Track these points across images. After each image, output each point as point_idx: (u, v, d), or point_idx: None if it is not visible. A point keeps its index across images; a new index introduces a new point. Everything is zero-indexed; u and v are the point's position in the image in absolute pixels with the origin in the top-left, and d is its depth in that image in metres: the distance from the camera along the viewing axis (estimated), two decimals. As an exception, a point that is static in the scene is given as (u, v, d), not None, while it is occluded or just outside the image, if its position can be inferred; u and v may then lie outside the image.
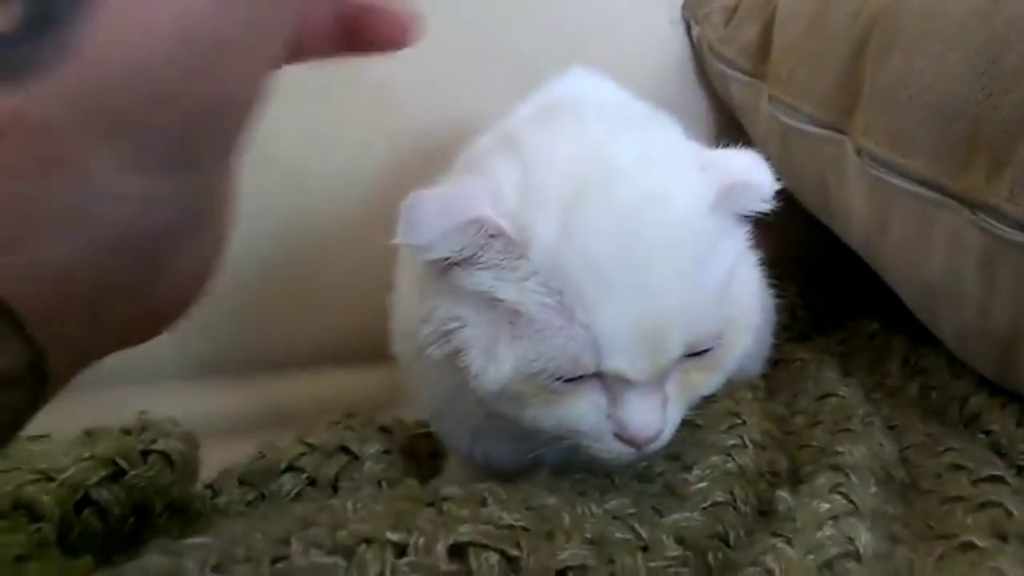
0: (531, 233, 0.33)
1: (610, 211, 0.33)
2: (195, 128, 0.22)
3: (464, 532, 0.30)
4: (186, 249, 0.24)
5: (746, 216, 0.37)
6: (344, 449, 0.47)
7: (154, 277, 0.24)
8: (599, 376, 0.34)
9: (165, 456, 0.39)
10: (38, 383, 0.22)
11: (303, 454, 0.46)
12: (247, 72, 0.23)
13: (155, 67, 0.21)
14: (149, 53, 0.21)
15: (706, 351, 0.35)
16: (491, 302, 0.34)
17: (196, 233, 0.25)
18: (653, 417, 0.34)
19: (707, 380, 0.36)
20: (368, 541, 0.29)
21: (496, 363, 0.34)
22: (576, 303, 0.33)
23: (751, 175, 0.35)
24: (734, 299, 0.36)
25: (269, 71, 0.24)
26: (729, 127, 0.70)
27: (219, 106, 0.23)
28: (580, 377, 0.34)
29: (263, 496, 0.44)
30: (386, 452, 0.48)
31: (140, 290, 0.24)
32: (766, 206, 0.36)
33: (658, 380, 0.34)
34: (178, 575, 0.29)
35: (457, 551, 0.29)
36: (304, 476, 0.46)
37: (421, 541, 0.29)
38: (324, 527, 0.30)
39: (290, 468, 0.46)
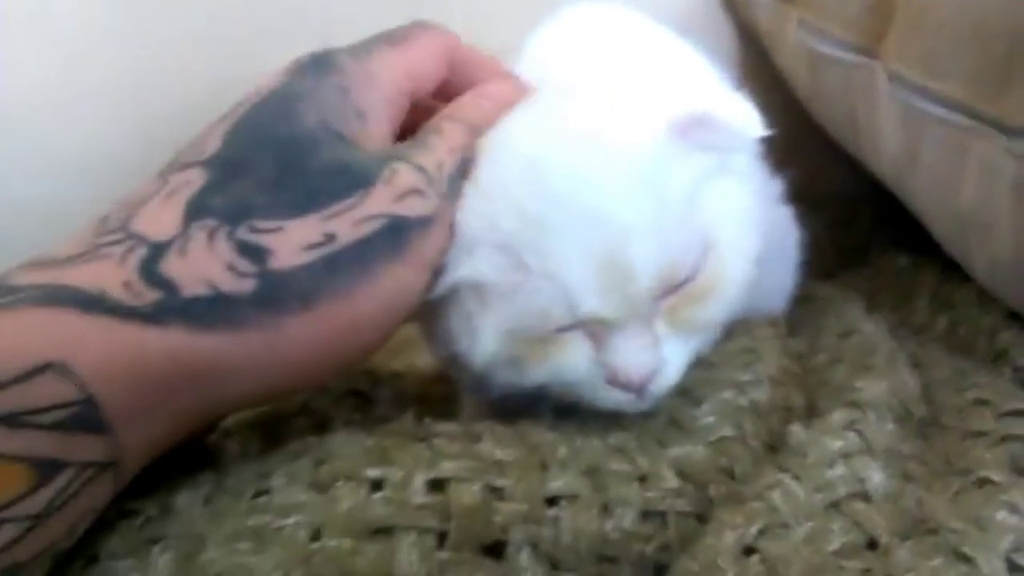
0: (464, 202, 0.34)
1: (521, 155, 0.33)
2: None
3: (447, 467, 0.29)
4: None
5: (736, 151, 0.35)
6: (355, 392, 0.47)
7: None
8: (581, 325, 0.33)
9: None
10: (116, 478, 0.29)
11: (314, 397, 0.46)
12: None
13: (310, 367, 0.32)
14: (311, 358, 0.32)
15: (688, 282, 0.34)
16: (457, 291, 0.34)
17: None
18: (641, 357, 0.33)
19: (699, 312, 0.34)
20: (347, 477, 0.29)
21: (476, 337, 0.34)
22: (527, 253, 0.32)
23: (716, 110, 0.33)
24: (708, 221, 0.34)
25: None
26: (754, 56, 0.67)
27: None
28: (564, 329, 0.33)
29: (275, 436, 0.44)
30: (398, 396, 0.47)
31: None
32: (737, 142, 0.34)
33: (643, 319, 0.33)
34: (171, 508, 0.30)
35: (438, 485, 0.29)
36: (317, 418, 0.46)
37: (399, 475, 0.29)
38: (309, 461, 0.30)
39: (302, 410, 0.46)
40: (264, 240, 0.31)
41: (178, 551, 0.28)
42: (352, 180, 0.33)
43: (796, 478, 0.31)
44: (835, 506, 0.30)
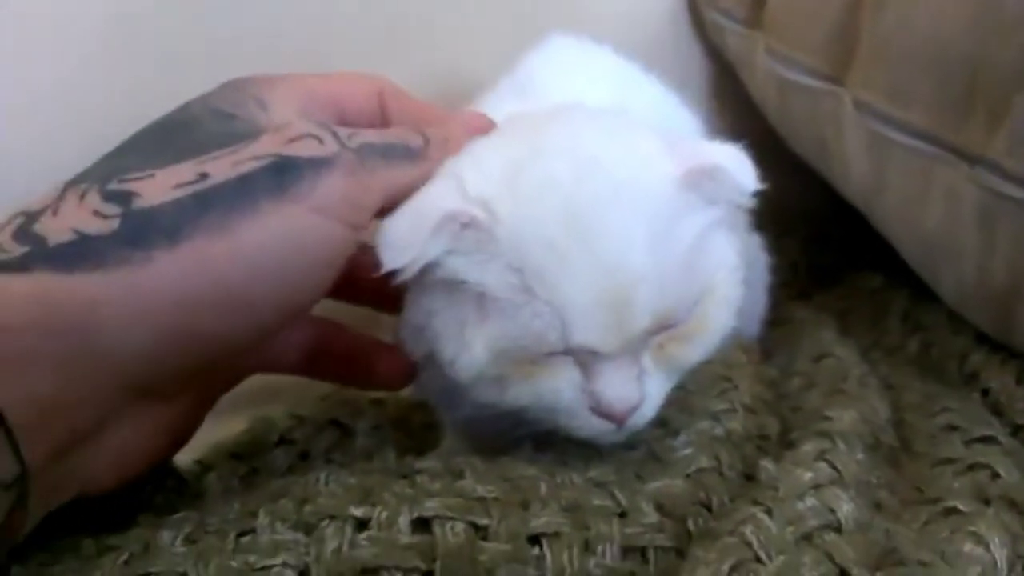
0: (494, 215, 0.33)
1: (549, 185, 0.33)
2: (197, 351, 0.31)
3: (430, 506, 0.30)
4: (147, 416, 0.33)
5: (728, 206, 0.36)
6: (335, 423, 0.48)
7: (114, 429, 0.31)
8: (571, 352, 0.34)
9: None
10: (22, 496, 0.27)
11: (294, 427, 0.46)
12: (251, 333, 0.32)
13: (190, 303, 0.29)
14: (192, 293, 0.29)
15: (680, 324, 0.34)
16: (458, 287, 0.34)
17: (162, 410, 0.33)
18: (627, 389, 0.34)
19: (684, 353, 0.35)
20: (332, 517, 0.29)
21: (467, 347, 0.34)
22: (536, 280, 0.32)
23: (725, 162, 0.34)
24: (708, 270, 0.35)
25: (266, 335, 0.33)
26: (725, 81, 0.68)
27: (221, 345, 0.31)
28: (553, 354, 0.34)
29: (255, 471, 0.44)
30: (378, 426, 0.48)
31: (97, 441, 0.31)
32: (743, 198, 0.35)
33: (631, 352, 0.34)
34: (154, 545, 0.30)
35: (423, 524, 0.29)
36: (296, 449, 0.46)
37: (384, 515, 0.29)
38: (293, 501, 0.30)
39: (282, 441, 0.46)
40: (131, 186, 0.30)
41: None
42: (237, 135, 0.32)
43: (768, 512, 0.32)
44: (807, 538, 0.31)
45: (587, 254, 0.32)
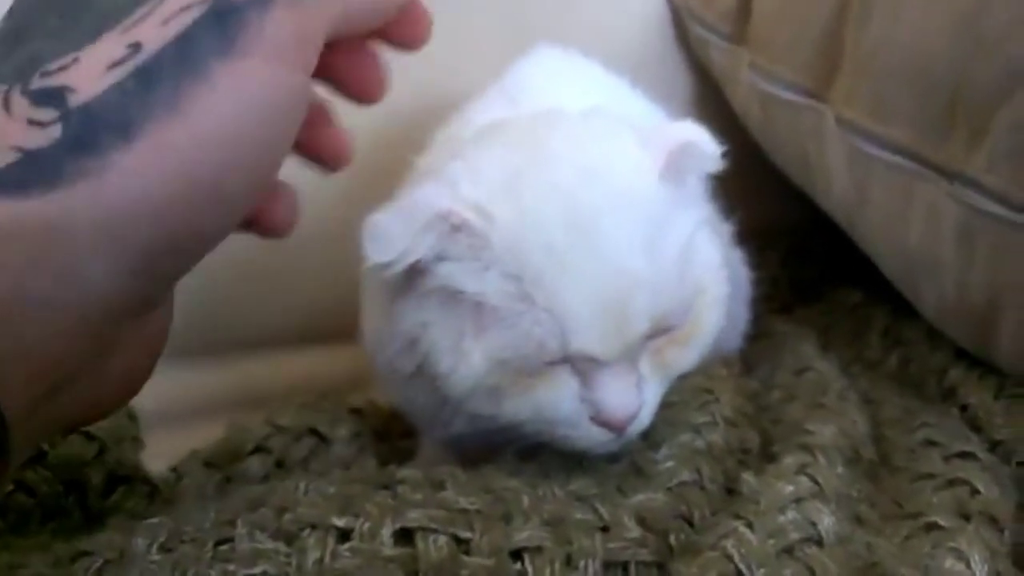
0: (490, 221, 0.33)
1: (551, 192, 0.33)
2: (178, 252, 0.28)
3: (413, 517, 0.29)
4: (140, 330, 0.29)
5: (700, 180, 0.37)
6: (313, 431, 0.47)
7: (110, 355, 0.28)
8: (570, 360, 0.34)
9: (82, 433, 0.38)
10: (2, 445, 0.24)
11: (271, 436, 0.46)
12: (228, 218, 0.28)
13: (161, 203, 0.26)
14: (160, 192, 0.26)
15: (675, 328, 0.35)
16: (454, 297, 0.34)
17: (151, 318, 0.29)
18: (628, 397, 0.34)
19: (681, 356, 0.36)
20: (313, 526, 0.29)
21: (464, 359, 0.33)
22: (535, 287, 0.32)
23: (692, 136, 0.35)
24: (698, 271, 0.36)
25: (241, 215, 0.29)
26: (708, 95, 0.68)
27: (200, 239, 0.28)
28: (552, 363, 0.34)
29: (229, 479, 0.44)
30: (356, 435, 0.47)
31: (98, 369, 0.28)
32: (715, 165, 0.36)
33: (630, 359, 0.34)
34: (128, 552, 0.29)
35: (405, 535, 0.29)
36: (272, 458, 0.46)
37: (367, 526, 0.29)
38: (271, 510, 0.30)
39: (257, 450, 0.45)
40: (59, 79, 0.26)
41: None
42: None
43: (749, 525, 0.32)
44: (788, 552, 0.31)
45: (587, 260, 0.32)
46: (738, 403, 0.44)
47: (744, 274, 0.50)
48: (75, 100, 0.25)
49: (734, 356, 0.51)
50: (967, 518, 0.33)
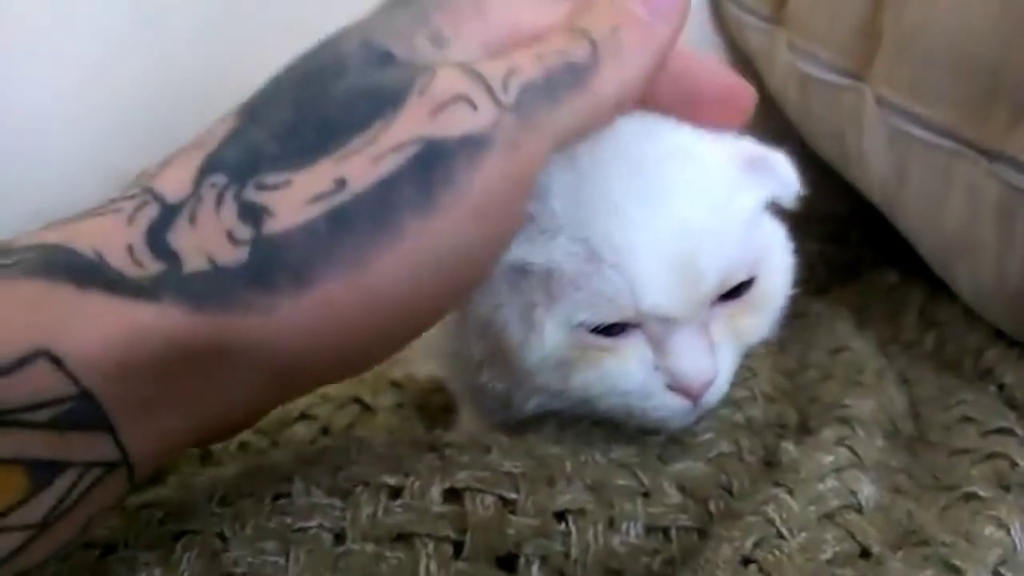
0: (550, 190, 0.33)
1: (616, 149, 0.33)
2: (320, 383, 0.29)
3: (460, 477, 0.30)
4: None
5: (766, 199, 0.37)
6: (357, 400, 0.48)
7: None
8: (641, 328, 0.34)
9: None
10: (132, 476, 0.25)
11: (316, 404, 0.47)
12: (372, 364, 0.29)
13: (315, 357, 0.26)
14: (317, 348, 0.26)
15: (744, 288, 0.35)
16: (523, 273, 0.34)
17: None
18: (704, 360, 0.34)
19: (753, 323, 0.36)
20: (366, 483, 0.30)
21: (536, 330, 0.33)
22: (602, 246, 0.32)
23: (777, 158, 0.36)
24: (763, 238, 0.36)
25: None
26: (745, 77, 0.68)
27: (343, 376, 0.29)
28: (623, 332, 0.34)
29: (276, 444, 0.45)
30: (399, 405, 0.48)
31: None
32: (789, 193, 0.36)
33: (701, 321, 0.34)
34: (187, 506, 0.30)
35: (454, 495, 0.30)
36: (318, 424, 0.47)
37: (416, 484, 0.30)
38: (326, 467, 0.31)
39: (303, 417, 0.47)
40: (267, 199, 0.25)
41: (202, 548, 0.28)
42: (379, 102, 0.26)
43: (790, 492, 0.32)
44: (828, 517, 0.31)
45: (652, 215, 0.32)
46: (776, 379, 0.45)
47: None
48: (269, 227, 0.25)
49: (771, 335, 0.51)
50: (1007, 489, 0.33)
